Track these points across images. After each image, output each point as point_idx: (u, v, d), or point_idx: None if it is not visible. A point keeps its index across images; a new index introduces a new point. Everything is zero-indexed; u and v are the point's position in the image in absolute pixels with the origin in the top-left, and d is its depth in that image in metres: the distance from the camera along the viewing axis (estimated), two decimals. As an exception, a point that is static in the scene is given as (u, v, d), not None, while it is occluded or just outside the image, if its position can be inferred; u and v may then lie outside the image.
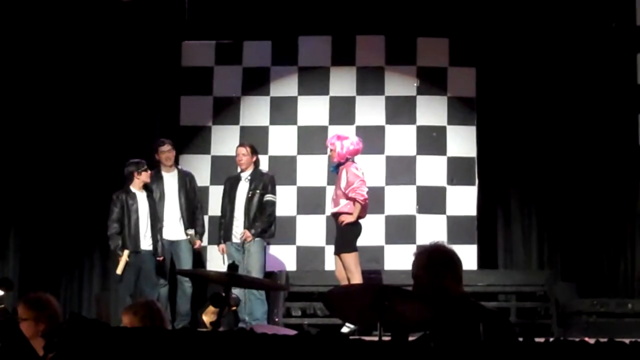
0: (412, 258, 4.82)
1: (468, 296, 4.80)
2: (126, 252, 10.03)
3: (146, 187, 10.40)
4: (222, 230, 10.57)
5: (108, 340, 3.93)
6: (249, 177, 10.50)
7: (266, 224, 10.38)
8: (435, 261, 4.70)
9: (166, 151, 10.74)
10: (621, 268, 11.51)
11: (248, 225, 10.30)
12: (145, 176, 10.31)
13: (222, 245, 10.51)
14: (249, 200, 10.38)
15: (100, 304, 10.87)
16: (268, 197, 10.42)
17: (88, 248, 11.57)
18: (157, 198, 10.57)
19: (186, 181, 10.79)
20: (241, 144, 10.75)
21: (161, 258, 10.33)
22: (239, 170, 10.64)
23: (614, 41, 11.55)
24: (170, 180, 10.75)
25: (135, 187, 10.29)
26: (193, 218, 10.72)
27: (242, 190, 10.48)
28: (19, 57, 11.64)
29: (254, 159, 10.58)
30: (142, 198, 10.30)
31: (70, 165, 11.71)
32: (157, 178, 10.68)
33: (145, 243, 10.21)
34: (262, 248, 10.40)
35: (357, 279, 9.63)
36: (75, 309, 11.48)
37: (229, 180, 10.73)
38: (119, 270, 10.02)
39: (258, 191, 10.39)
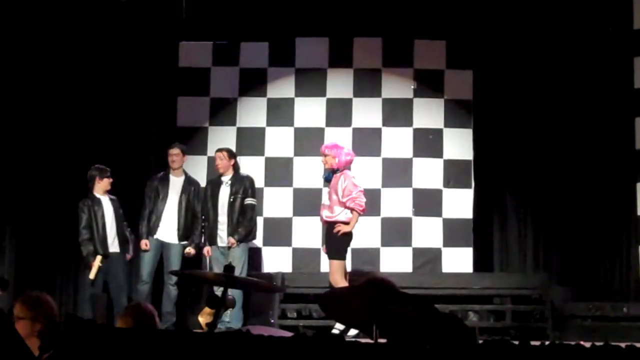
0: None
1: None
2: (99, 258, 10.27)
3: (111, 192, 10.66)
4: (205, 234, 10.72)
5: (104, 340, 3.93)
6: (230, 182, 10.64)
7: (248, 228, 10.57)
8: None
9: (173, 154, 10.90)
10: (617, 271, 11.53)
11: (231, 230, 10.48)
12: (106, 182, 10.54)
13: (208, 248, 10.66)
14: (231, 204, 10.55)
15: (96, 304, 10.86)
16: (248, 200, 10.60)
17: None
18: (160, 198, 10.75)
19: (190, 189, 10.92)
20: (218, 149, 10.86)
21: (129, 256, 10.60)
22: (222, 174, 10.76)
23: (611, 45, 11.56)
24: (176, 185, 10.88)
25: (99, 192, 10.54)
26: (191, 226, 10.85)
27: (224, 194, 10.63)
28: (14, 57, 11.63)
29: (232, 162, 10.72)
30: (106, 202, 10.51)
31: (66, 165, 11.70)
32: (164, 180, 10.87)
33: (113, 246, 10.43)
34: (244, 252, 10.59)
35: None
36: (70, 309, 11.48)
37: (209, 184, 10.91)
38: (91, 276, 10.25)
39: (239, 195, 10.56)
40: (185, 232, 10.80)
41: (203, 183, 11.30)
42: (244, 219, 10.53)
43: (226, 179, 10.68)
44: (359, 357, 3.77)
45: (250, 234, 10.68)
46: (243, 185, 10.62)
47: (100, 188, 10.51)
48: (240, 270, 10.19)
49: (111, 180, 10.56)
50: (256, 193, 10.86)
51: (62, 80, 11.82)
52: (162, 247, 10.74)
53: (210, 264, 10.55)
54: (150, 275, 10.66)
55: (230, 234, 10.47)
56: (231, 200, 10.55)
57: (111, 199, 10.55)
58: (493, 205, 12.03)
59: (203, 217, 10.77)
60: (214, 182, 10.80)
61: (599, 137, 11.60)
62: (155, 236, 10.70)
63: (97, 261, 10.23)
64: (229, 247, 10.46)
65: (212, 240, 10.62)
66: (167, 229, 10.75)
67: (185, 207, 10.82)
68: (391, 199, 11.72)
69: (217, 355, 3.85)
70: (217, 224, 10.59)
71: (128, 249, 10.56)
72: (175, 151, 10.91)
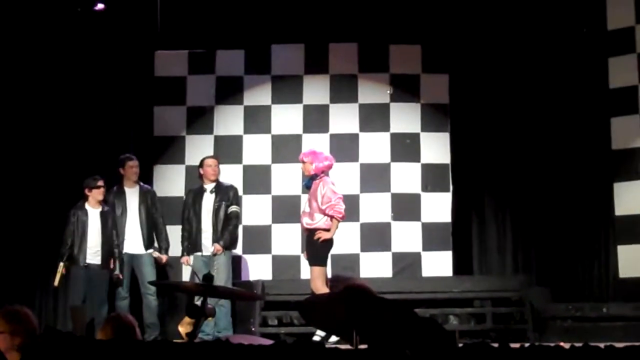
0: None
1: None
2: (61, 265, 10.16)
3: (105, 202, 10.51)
4: (185, 242, 10.65)
5: (84, 353, 3.91)
6: (214, 190, 10.61)
7: (233, 235, 10.56)
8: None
9: (134, 166, 10.86)
10: (595, 272, 11.58)
11: (216, 237, 10.43)
12: (95, 193, 10.39)
13: (186, 257, 10.62)
14: (215, 212, 10.51)
15: (76, 316, 10.82)
16: (233, 208, 10.59)
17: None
18: (119, 213, 10.68)
19: (147, 197, 10.89)
20: (214, 156, 10.90)
21: (119, 275, 10.40)
22: (205, 182, 10.69)
23: (585, 46, 11.62)
24: (132, 196, 10.84)
25: (89, 203, 10.41)
26: (155, 234, 10.83)
27: (207, 202, 10.58)
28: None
29: None
30: (93, 214, 10.38)
31: (44, 176, 11.65)
32: (120, 193, 10.82)
33: (96, 258, 10.29)
34: (229, 259, 10.56)
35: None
36: (50, 322, 11.42)
37: (190, 192, 10.86)
38: (55, 283, 10.17)
39: (224, 203, 10.54)
40: (150, 240, 10.78)
41: (180, 192, 11.29)
42: (228, 225, 10.48)
43: (209, 187, 10.64)
44: (339, 364, 3.77)
45: (235, 242, 10.66)
46: (227, 194, 10.60)
47: (91, 199, 10.39)
48: (225, 279, 10.20)
49: (101, 190, 10.40)
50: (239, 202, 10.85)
51: (38, 90, 11.76)
52: (132, 260, 10.67)
53: (193, 273, 10.49)
54: (127, 290, 10.60)
55: (216, 240, 10.41)
56: (216, 207, 10.52)
57: (102, 212, 10.41)
58: (471, 208, 12.07)
59: (183, 226, 10.72)
60: (196, 191, 10.75)
61: (575, 137, 11.66)
62: (124, 251, 10.62)
63: (60, 268, 10.14)
64: (214, 254, 10.37)
65: (194, 248, 10.57)
66: (133, 241, 10.70)
67: (146, 216, 10.78)
68: (370, 204, 11.73)
69: (197, 364, 3.84)
70: (201, 232, 10.54)
71: (113, 264, 10.40)
72: (136, 163, 10.88)
